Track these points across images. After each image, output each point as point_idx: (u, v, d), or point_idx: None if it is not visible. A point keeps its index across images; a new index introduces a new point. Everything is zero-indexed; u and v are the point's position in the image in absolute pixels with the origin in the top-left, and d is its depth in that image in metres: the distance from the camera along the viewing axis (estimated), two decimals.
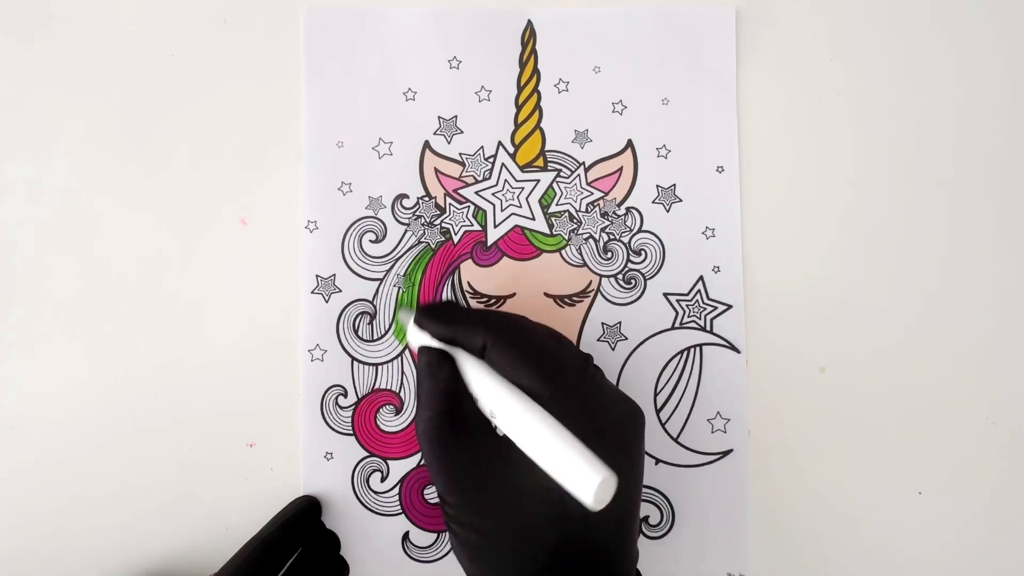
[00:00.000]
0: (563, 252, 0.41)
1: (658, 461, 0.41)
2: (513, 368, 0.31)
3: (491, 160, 0.42)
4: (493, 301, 0.41)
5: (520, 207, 0.41)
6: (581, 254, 0.41)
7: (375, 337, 0.41)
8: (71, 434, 0.40)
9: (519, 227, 0.41)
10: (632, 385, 0.41)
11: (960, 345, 0.42)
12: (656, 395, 0.41)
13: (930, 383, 0.42)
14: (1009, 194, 0.42)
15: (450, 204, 0.41)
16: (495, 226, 0.41)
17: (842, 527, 0.41)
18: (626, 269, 0.41)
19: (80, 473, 0.40)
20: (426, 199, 0.41)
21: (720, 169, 0.42)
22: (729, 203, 0.42)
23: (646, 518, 0.41)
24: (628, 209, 0.42)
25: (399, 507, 0.40)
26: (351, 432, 0.41)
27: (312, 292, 0.41)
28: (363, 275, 0.41)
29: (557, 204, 0.42)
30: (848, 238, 0.42)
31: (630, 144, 0.42)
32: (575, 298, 0.41)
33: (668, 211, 0.42)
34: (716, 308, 0.41)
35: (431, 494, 0.41)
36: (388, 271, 0.41)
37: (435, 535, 0.41)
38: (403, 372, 0.41)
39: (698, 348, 0.41)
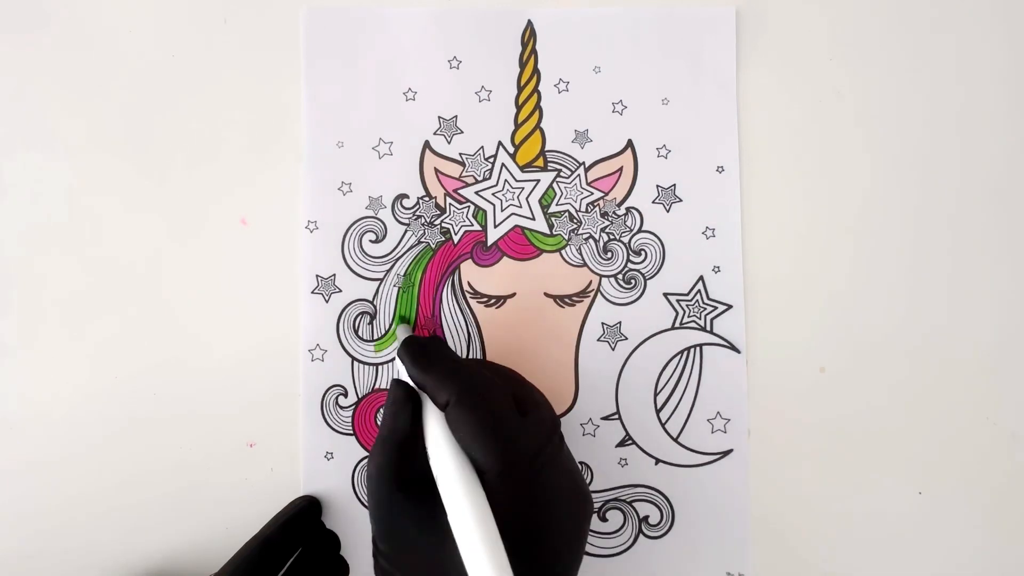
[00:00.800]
0: (563, 252, 0.41)
1: (658, 461, 0.41)
2: (466, 436, 0.30)
3: (491, 160, 0.42)
4: (493, 301, 0.41)
5: (520, 207, 0.41)
6: (581, 254, 0.41)
7: (375, 337, 0.41)
8: (71, 434, 0.40)
9: (519, 227, 0.41)
10: (632, 385, 0.41)
11: (960, 345, 0.42)
12: (656, 395, 0.41)
13: (930, 383, 0.42)
14: (1010, 194, 0.42)
15: (450, 204, 0.41)
16: (495, 226, 0.41)
17: (842, 527, 0.41)
18: (626, 269, 0.41)
19: (80, 473, 0.40)
20: (426, 199, 0.41)
21: (720, 169, 0.42)
22: (729, 203, 0.42)
23: (646, 518, 0.41)
24: (628, 209, 0.42)
25: None
26: (351, 432, 0.41)
27: (312, 292, 0.41)
28: (363, 275, 0.41)
29: (557, 204, 0.42)
30: (848, 238, 0.42)
31: (630, 144, 0.42)
32: (575, 298, 0.41)
33: (668, 211, 0.42)
34: (716, 308, 0.41)
35: None
36: (388, 271, 0.41)
37: None
38: None
39: (698, 348, 0.41)
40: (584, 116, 0.42)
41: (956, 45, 0.43)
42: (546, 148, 0.42)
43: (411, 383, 0.33)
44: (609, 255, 0.41)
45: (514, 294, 0.41)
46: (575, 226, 0.42)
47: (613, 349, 0.41)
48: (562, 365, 0.41)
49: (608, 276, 0.41)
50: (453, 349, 0.41)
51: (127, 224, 0.41)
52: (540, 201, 0.42)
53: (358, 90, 0.41)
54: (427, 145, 0.41)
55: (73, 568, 0.40)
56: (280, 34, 0.41)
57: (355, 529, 0.40)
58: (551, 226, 0.41)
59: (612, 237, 0.42)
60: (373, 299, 0.41)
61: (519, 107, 0.42)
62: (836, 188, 0.42)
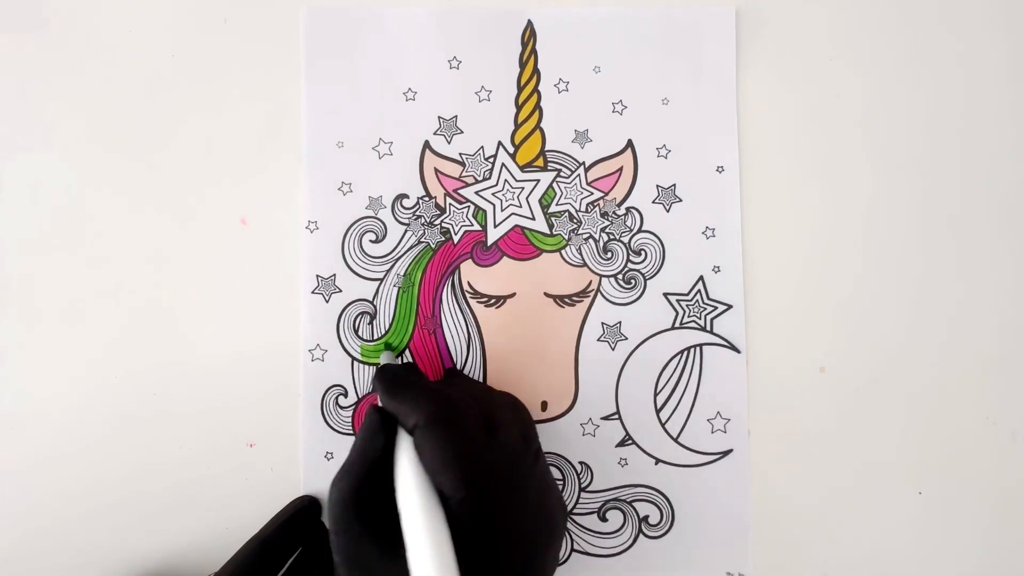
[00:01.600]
0: (563, 252, 0.41)
1: (658, 461, 0.41)
2: (431, 460, 0.30)
3: (491, 160, 0.42)
4: (493, 301, 0.41)
5: (520, 207, 0.41)
6: (581, 254, 0.41)
7: (375, 337, 0.41)
8: (71, 433, 0.40)
9: (519, 227, 0.41)
10: (632, 385, 0.41)
11: (960, 345, 0.42)
12: (656, 395, 0.41)
13: (930, 383, 0.42)
14: (1010, 193, 0.42)
15: (450, 204, 0.41)
16: (495, 226, 0.41)
17: (842, 527, 0.41)
18: (626, 269, 0.41)
19: (80, 473, 0.40)
20: (426, 199, 0.41)
21: (720, 169, 0.42)
22: (729, 203, 0.42)
23: (646, 518, 0.41)
24: (628, 209, 0.42)
25: None
26: (351, 432, 0.41)
27: (312, 292, 0.41)
28: (363, 275, 0.41)
29: (557, 204, 0.42)
30: (848, 238, 0.42)
31: (630, 144, 0.42)
32: (575, 298, 0.41)
33: (668, 211, 0.42)
34: (716, 308, 0.41)
35: None
36: (388, 271, 0.41)
37: None
38: None
39: (698, 348, 0.41)
40: (584, 116, 0.42)
41: (957, 45, 0.43)
42: (546, 148, 0.42)
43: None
44: (609, 255, 0.41)
45: (514, 294, 0.41)
46: (575, 226, 0.42)
47: (613, 349, 0.41)
48: (562, 365, 0.41)
49: (608, 276, 0.41)
50: (451, 351, 0.41)
51: (127, 224, 0.41)
52: (540, 201, 0.42)
53: (358, 90, 0.41)
54: (427, 145, 0.41)
55: (73, 568, 0.40)
56: (280, 34, 0.41)
57: None
58: (551, 226, 0.41)
59: (612, 237, 0.42)
60: (373, 299, 0.41)
61: (519, 107, 0.42)
62: (836, 188, 0.42)
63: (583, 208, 0.42)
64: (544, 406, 0.41)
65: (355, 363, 0.41)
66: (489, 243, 0.41)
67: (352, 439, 0.40)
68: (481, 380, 0.41)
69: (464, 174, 0.42)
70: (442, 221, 0.41)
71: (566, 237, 0.41)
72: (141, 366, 0.41)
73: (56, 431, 0.40)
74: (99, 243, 0.41)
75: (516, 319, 0.41)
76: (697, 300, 0.41)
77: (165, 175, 0.41)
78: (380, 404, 0.34)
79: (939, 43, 0.43)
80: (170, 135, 0.41)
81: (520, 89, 0.42)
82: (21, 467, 0.40)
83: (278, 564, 0.37)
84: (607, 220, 0.42)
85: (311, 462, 0.40)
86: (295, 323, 0.41)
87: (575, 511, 0.41)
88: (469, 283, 0.41)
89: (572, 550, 0.41)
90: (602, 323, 0.41)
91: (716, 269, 0.42)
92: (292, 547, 0.38)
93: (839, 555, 0.41)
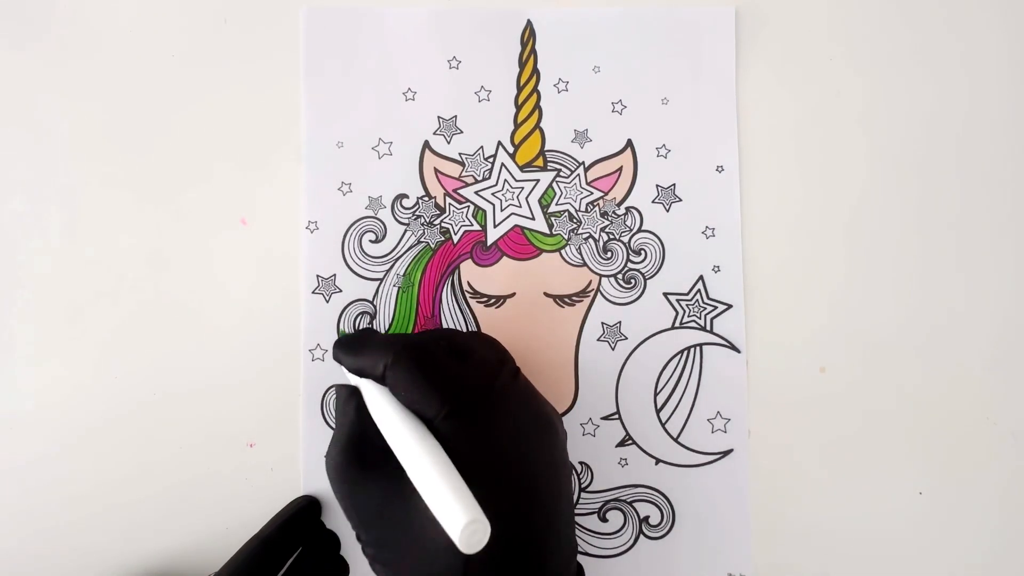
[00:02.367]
0: (563, 252, 0.41)
1: (658, 461, 0.41)
2: (405, 390, 0.31)
3: (491, 160, 0.42)
4: (493, 301, 0.41)
5: (520, 207, 0.41)
6: (581, 254, 0.41)
7: None
8: (71, 434, 0.40)
9: (519, 227, 0.41)
10: (632, 385, 0.41)
11: (960, 345, 0.42)
12: (656, 395, 0.41)
13: (930, 383, 0.42)
14: (1010, 193, 0.42)
15: (450, 204, 0.41)
16: (495, 226, 0.41)
17: (842, 527, 0.41)
18: (626, 269, 0.41)
19: (79, 473, 0.40)
20: (426, 199, 0.41)
21: (720, 169, 0.42)
22: (729, 203, 0.42)
23: (646, 518, 0.41)
24: (628, 209, 0.42)
25: None
26: None
27: (313, 292, 0.41)
28: (363, 275, 0.41)
29: (557, 204, 0.42)
30: (848, 238, 0.42)
31: (630, 144, 0.42)
32: (575, 298, 0.41)
33: (668, 211, 0.42)
34: (716, 308, 0.41)
35: None
36: (388, 271, 0.41)
37: None
38: None
39: (698, 348, 0.41)
40: (584, 116, 0.42)
41: (957, 44, 0.43)
42: (546, 148, 0.42)
43: (350, 380, 0.34)
44: (609, 255, 0.41)
45: (514, 294, 0.41)
46: (575, 226, 0.42)
47: (613, 349, 0.41)
48: (562, 365, 0.41)
49: (608, 276, 0.41)
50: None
51: (127, 224, 0.41)
52: (540, 201, 0.42)
53: (358, 90, 0.41)
54: (427, 145, 0.42)
55: (72, 568, 0.40)
56: (280, 34, 0.41)
57: None
58: (551, 226, 0.41)
59: (612, 237, 0.42)
60: (373, 299, 0.41)
61: (519, 107, 0.42)
62: (836, 188, 0.42)
63: (583, 208, 0.42)
64: None
65: None
66: (489, 243, 0.41)
67: None
68: None
69: (464, 174, 0.42)
70: (442, 221, 0.41)
71: (566, 237, 0.41)
72: (140, 366, 0.41)
73: (55, 431, 0.40)
74: (98, 243, 0.41)
75: (516, 319, 0.41)
76: (697, 300, 0.41)
77: (165, 175, 0.41)
78: (345, 367, 0.35)
79: (940, 43, 0.43)
80: (170, 135, 0.41)
81: (520, 89, 0.42)
82: (21, 467, 0.40)
83: (278, 564, 0.37)
84: (607, 220, 0.42)
85: (311, 462, 0.40)
86: (295, 323, 0.41)
87: (575, 512, 0.41)
88: (469, 283, 0.41)
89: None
90: (602, 323, 0.41)
91: (716, 269, 0.42)
92: (292, 547, 0.38)
93: (840, 555, 0.41)
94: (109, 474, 0.40)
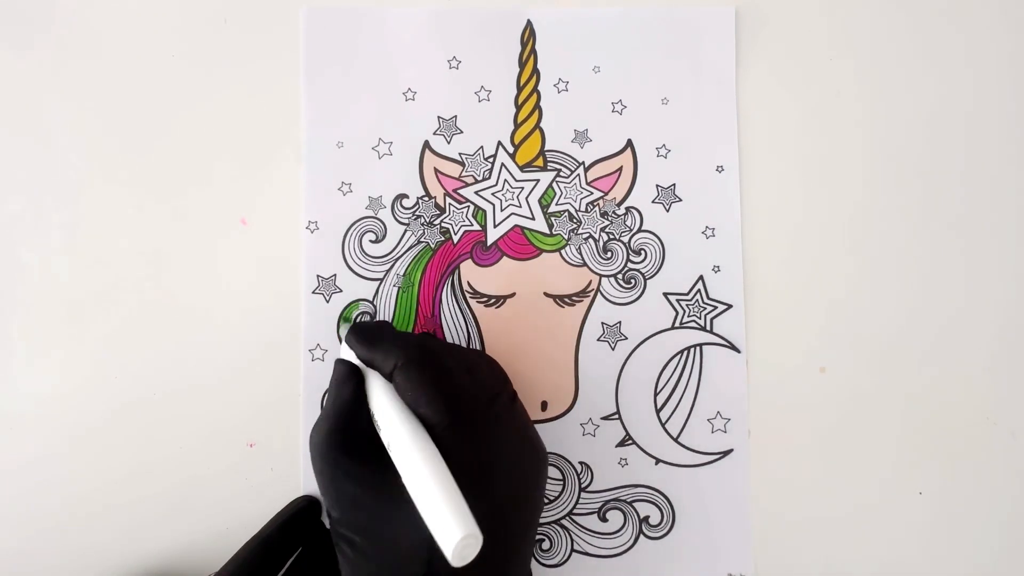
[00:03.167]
0: (563, 252, 0.41)
1: (658, 461, 0.41)
2: (413, 393, 0.31)
3: (491, 160, 0.42)
4: (493, 301, 0.41)
5: (520, 207, 0.41)
6: (581, 254, 0.41)
7: None
8: (71, 433, 0.40)
9: (519, 227, 0.41)
10: (632, 385, 0.41)
11: (960, 345, 0.42)
12: (656, 395, 0.41)
13: (930, 383, 0.42)
14: (1011, 194, 0.42)
15: (450, 204, 0.41)
16: (495, 226, 0.41)
17: (842, 527, 0.41)
18: (626, 269, 0.41)
19: (79, 473, 0.40)
20: (426, 199, 0.41)
21: (720, 169, 0.42)
22: (729, 203, 0.42)
23: (647, 518, 0.41)
24: (628, 209, 0.42)
25: None
26: None
27: (313, 292, 0.41)
28: (363, 275, 0.41)
29: (557, 204, 0.42)
30: (848, 238, 0.42)
31: (630, 144, 0.42)
32: (575, 298, 0.41)
33: (668, 211, 0.42)
34: (716, 308, 0.41)
35: None
36: (388, 271, 0.41)
37: None
38: None
39: (698, 348, 0.41)
40: (584, 116, 0.42)
41: (957, 44, 0.43)
42: (546, 148, 0.42)
43: (355, 362, 0.34)
44: (609, 255, 0.41)
45: (514, 294, 0.41)
46: (575, 226, 0.42)
47: (613, 349, 0.41)
48: (562, 365, 0.41)
49: (608, 276, 0.41)
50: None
51: (127, 223, 0.41)
52: (540, 201, 0.42)
53: (358, 90, 0.41)
54: (427, 145, 0.42)
55: (72, 568, 0.40)
56: (280, 34, 0.41)
57: None
58: (551, 226, 0.41)
59: (612, 237, 0.42)
60: (373, 299, 0.41)
61: (519, 107, 0.42)
62: (836, 188, 0.42)
63: (583, 208, 0.42)
64: (544, 406, 0.41)
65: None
66: (489, 243, 0.41)
67: None
68: None
69: (464, 174, 0.42)
70: (442, 221, 0.41)
71: (566, 237, 0.41)
72: (141, 366, 0.41)
73: (55, 431, 0.40)
74: (99, 243, 0.41)
75: (516, 319, 0.41)
76: (697, 300, 0.41)
77: (165, 175, 0.41)
78: (356, 354, 0.35)
79: (940, 43, 0.43)
80: (170, 135, 0.41)
81: (520, 89, 0.42)
82: (20, 467, 0.40)
83: (278, 564, 0.37)
84: (607, 220, 0.42)
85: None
86: (295, 323, 0.41)
87: (575, 511, 0.41)
88: (469, 283, 0.41)
89: (572, 551, 0.41)
90: (602, 323, 0.41)
91: (716, 269, 0.42)
92: (292, 547, 0.38)
93: (840, 555, 0.41)
94: (109, 474, 0.40)
